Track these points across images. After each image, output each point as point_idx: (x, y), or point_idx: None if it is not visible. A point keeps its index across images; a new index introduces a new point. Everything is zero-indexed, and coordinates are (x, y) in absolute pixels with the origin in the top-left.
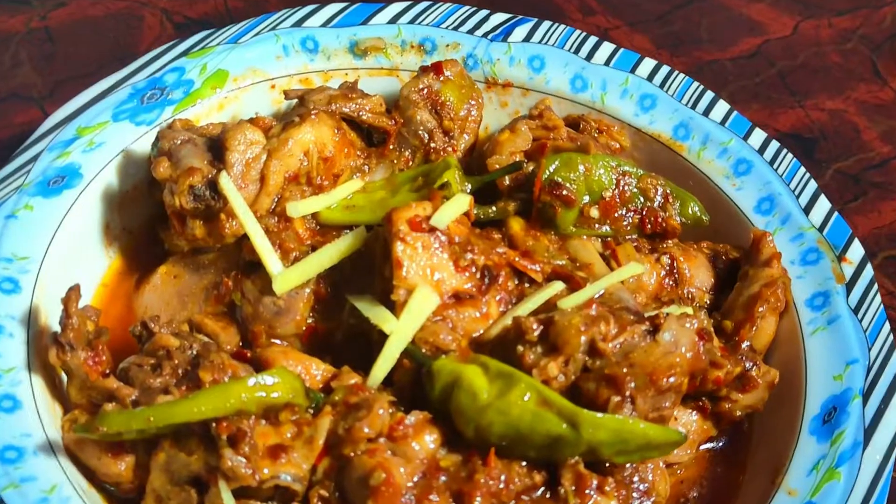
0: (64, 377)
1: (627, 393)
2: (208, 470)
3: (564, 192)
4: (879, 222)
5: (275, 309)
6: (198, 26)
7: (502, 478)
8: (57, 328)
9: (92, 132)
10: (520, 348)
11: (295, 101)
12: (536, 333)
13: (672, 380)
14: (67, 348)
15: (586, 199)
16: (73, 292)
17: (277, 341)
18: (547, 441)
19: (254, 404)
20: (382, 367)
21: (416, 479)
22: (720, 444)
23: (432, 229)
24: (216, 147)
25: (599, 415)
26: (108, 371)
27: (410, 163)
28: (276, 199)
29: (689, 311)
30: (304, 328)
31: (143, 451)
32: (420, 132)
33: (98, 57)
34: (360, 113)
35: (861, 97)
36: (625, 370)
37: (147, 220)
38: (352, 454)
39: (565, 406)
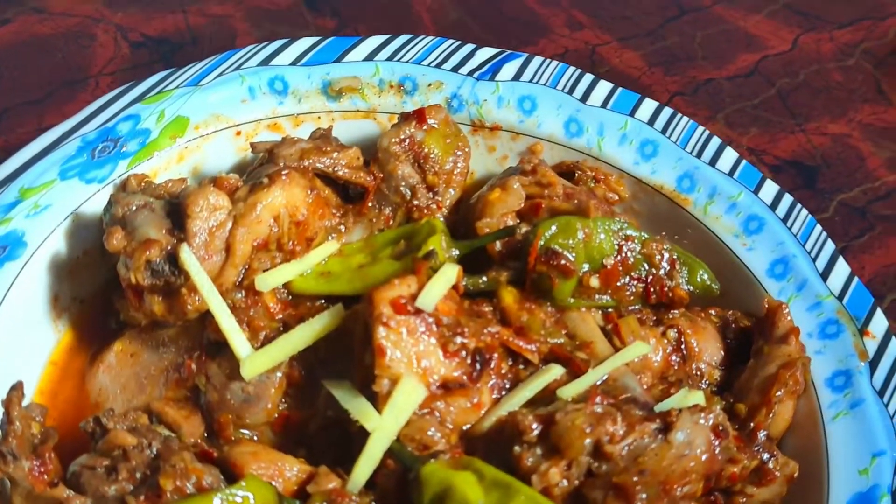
0: (6, 483)
1: None
2: None
3: (562, 262)
4: (887, 260)
5: (243, 396)
6: (155, 44)
7: None
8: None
9: (37, 193)
10: (517, 449)
11: (262, 153)
12: (535, 433)
13: (687, 488)
14: (10, 458)
15: (585, 267)
16: (16, 392)
17: (246, 432)
18: None
19: None
20: (364, 469)
21: None
22: None
23: (418, 311)
24: (175, 212)
25: None
26: (55, 480)
27: (391, 221)
28: (242, 271)
29: (701, 397)
30: (275, 416)
31: None
32: (402, 188)
33: (46, 81)
34: (336, 168)
35: (865, 119)
36: (635, 478)
37: (100, 288)
38: None
39: None
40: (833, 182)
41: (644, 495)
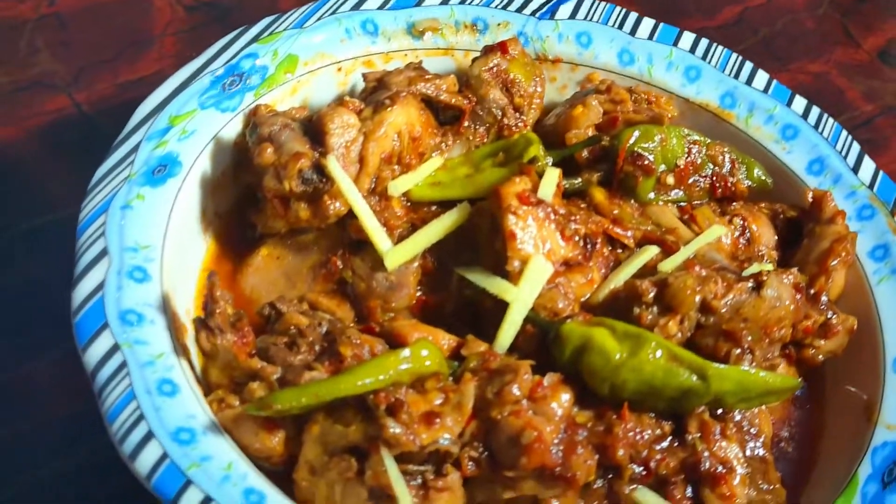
0: (196, 361)
1: (745, 345)
2: (367, 439)
3: (645, 162)
4: None
5: (387, 284)
6: (208, 9)
7: (637, 429)
8: (186, 306)
9: (183, 120)
10: (636, 310)
11: (372, 82)
12: (652, 295)
13: (782, 332)
14: (217, 332)
15: (662, 167)
16: (215, 278)
17: (391, 315)
18: (677, 394)
19: (407, 375)
20: (508, 332)
21: (559, 435)
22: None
23: (539, 202)
24: (311, 131)
25: (725, 367)
26: (252, 352)
27: (485, 139)
28: (373, 180)
29: (772, 268)
30: (414, 301)
31: (293, 425)
32: (494, 110)
33: (113, 42)
34: (438, 93)
35: (840, 59)
36: (741, 325)
37: (234, 205)
38: (498, 416)
39: (694, 360)
40: None
41: (749, 337)
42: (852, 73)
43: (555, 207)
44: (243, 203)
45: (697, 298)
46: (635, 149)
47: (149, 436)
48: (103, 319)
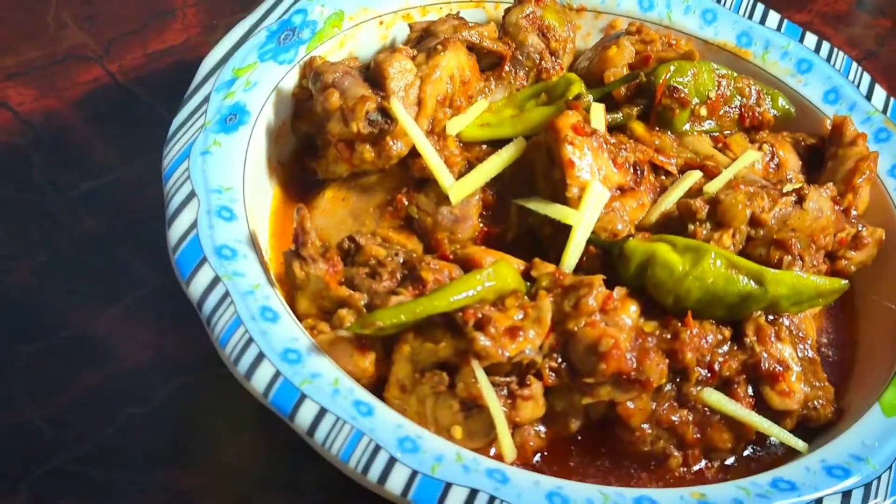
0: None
1: (796, 253)
2: (457, 354)
3: (681, 95)
4: None
5: (452, 217)
6: None
7: (701, 335)
8: (264, 246)
9: (246, 73)
10: (691, 227)
11: (418, 32)
12: (705, 213)
13: (827, 238)
14: (310, 261)
15: (696, 100)
16: (304, 211)
17: (458, 246)
18: (737, 300)
19: (491, 292)
20: (574, 253)
21: (632, 343)
22: None
23: (593, 131)
24: (370, 78)
25: (780, 272)
26: (341, 280)
27: (525, 83)
28: (430, 122)
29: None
30: (478, 232)
31: (382, 348)
32: (532, 54)
33: (137, 15)
34: (481, 39)
35: (822, 9)
36: (790, 234)
37: (294, 154)
38: (575, 328)
39: (752, 267)
40: None
41: (798, 245)
42: (834, 22)
43: (606, 137)
44: (302, 152)
45: (748, 212)
46: (672, 83)
47: (260, 356)
48: (201, 254)
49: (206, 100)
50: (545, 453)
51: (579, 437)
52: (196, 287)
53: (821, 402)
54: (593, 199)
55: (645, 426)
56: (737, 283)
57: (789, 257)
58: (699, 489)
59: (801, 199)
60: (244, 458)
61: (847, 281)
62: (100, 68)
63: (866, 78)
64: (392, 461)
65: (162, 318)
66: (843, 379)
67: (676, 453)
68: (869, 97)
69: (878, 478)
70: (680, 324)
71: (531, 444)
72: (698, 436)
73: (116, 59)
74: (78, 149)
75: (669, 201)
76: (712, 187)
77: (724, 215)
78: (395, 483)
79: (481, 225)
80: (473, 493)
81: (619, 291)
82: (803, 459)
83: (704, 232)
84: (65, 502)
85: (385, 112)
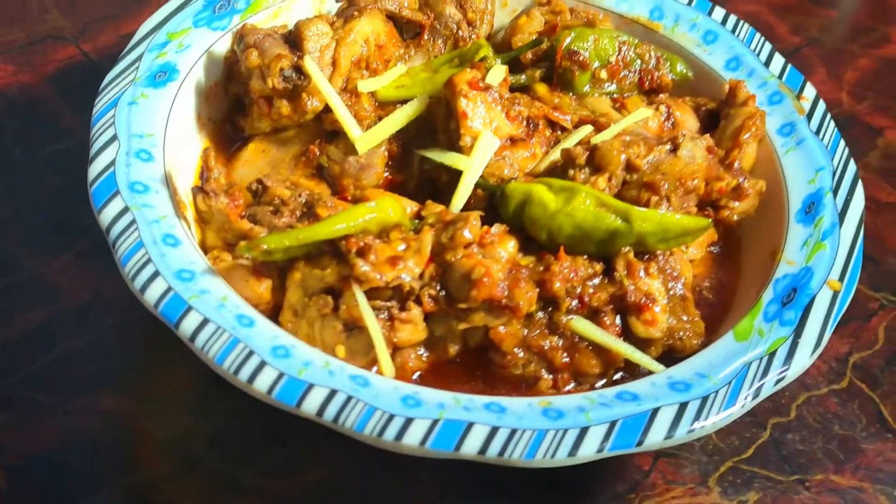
0: (193, 229)
1: (664, 194)
2: (341, 279)
3: (581, 58)
4: None
5: (358, 165)
6: None
7: (572, 268)
8: (184, 189)
9: (180, 36)
10: (571, 171)
11: (343, 1)
12: (584, 159)
13: (695, 182)
14: (213, 195)
15: (596, 64)
16: (211, 151)
17: (362, 191)
18: (605, 235)
19: (374, 224)
20: (462, 195)
21: (505, 273)
22: (718, 248)
23: (488, 87)
24: (291, 40)
25: (646, 209)
26: (243, 214)
27: (443, 50)
28: (345, 80)
29: None
30: (382, 180)
31: (278, 275)
32: (450, 24)
33: (115, 1)
34: (400, 9)
35: (771, 0)
36: (659, 177)
37: (225, 113)
38: (453, 259)
39: (619, 205)
40: None
41: (666, 187)
42: (782, 12)
43: (500, 92)
44: (232, 112)
45: (623, 157)
46: (572, 47)
47: (155, 274)
48: (115, 188)
49: (139, 59)
50: (423, 374)
51: (458, 361)
52: (106, 215)
53: (688, 333)
54: (483, 147)
55: (517, 350)
56: (605, 219)
57: (657, 198)
58: (547, 398)
59: (675, 147)
60: (167, 386)
61: (711, 221)
62: (74, 48)
63: (767, 47)
64: (262, 364)
65: (109, 265)
66: (719, 318)
67: (547, 376)
68: (767, 64)
69: (716, 392)
70: (553, 258)
71: (410, 364)
72: (567, 360)
73: (90, 39)
74: (48, 116)
75: (557, 151)
76: (598, 139)
77: (601, 160)
78: (262, 383)
79: (386, 174)
80: (332, 392)
81: (497, 227)
82: (654, 377)
83: (583, 176)
84: (1, 419)
85: (300, 70)
